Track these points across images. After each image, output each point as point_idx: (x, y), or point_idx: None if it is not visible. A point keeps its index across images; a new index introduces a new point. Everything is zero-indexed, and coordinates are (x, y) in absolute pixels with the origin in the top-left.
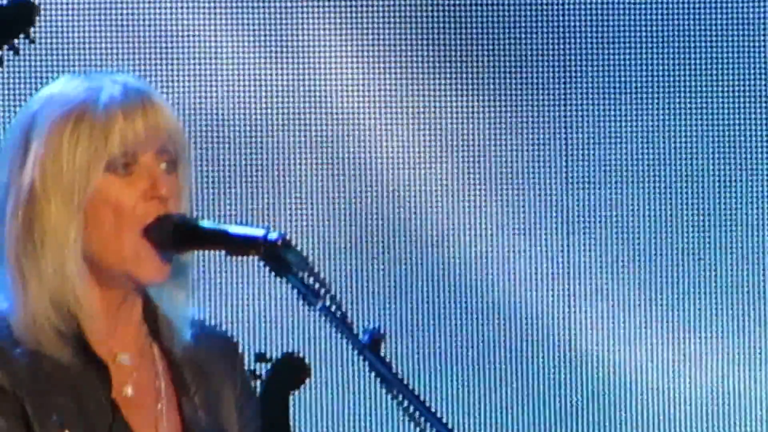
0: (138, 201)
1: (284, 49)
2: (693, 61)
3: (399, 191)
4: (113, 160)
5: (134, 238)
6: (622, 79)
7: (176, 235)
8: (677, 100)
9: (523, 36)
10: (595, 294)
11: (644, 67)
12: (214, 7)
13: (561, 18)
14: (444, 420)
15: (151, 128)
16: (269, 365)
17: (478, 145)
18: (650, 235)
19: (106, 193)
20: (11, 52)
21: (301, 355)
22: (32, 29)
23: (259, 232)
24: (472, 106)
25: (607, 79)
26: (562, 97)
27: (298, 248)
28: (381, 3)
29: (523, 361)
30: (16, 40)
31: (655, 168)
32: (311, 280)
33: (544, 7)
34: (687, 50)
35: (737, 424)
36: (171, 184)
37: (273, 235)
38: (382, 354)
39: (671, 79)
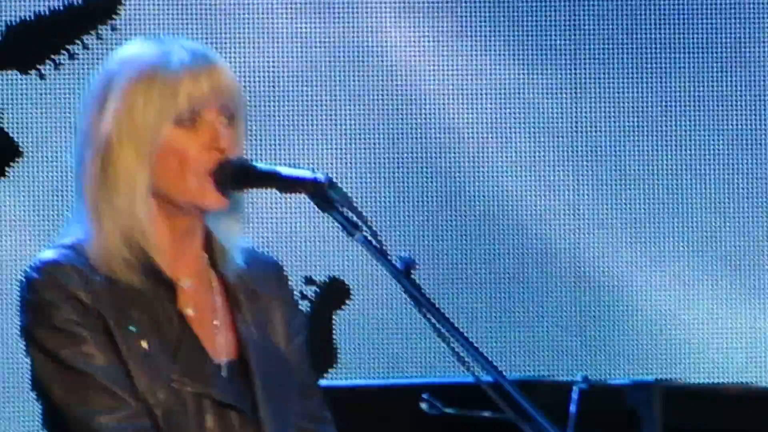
0: (201, 151)
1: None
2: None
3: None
4: (180, 115)
5: (198, 180)
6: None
7: (236, 176)
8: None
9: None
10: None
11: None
12: None
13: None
14: (467, 335)
15: (214, 88)
16: (316, 287)
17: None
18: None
19: (173, 144)
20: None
21: (342, 278)
22: (114, 20)
23: (307, 173)
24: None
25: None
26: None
27: (342, 188)
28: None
29: (540, 286)
30: (94, 33)
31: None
32: (352, 214)
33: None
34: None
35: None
36: (229, 137)
37: (320, 176)
38: (414, 278)
39: None
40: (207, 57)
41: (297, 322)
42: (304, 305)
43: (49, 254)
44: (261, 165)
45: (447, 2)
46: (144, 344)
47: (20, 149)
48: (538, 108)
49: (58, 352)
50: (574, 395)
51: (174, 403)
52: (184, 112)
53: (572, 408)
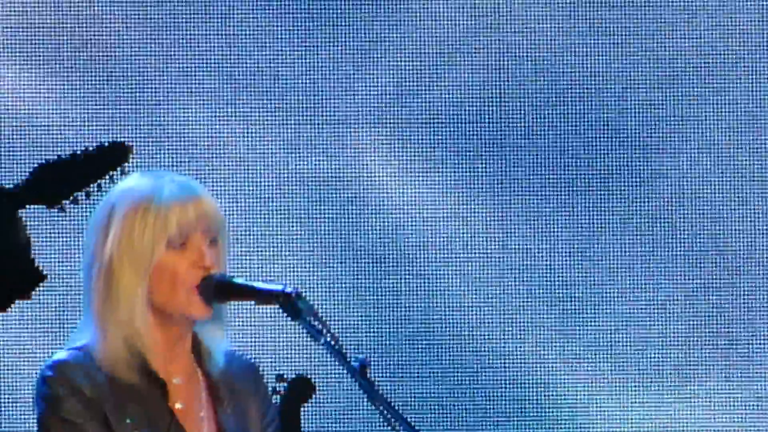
0: (189, 269)
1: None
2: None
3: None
4: (171, 239)
5: (186, 293)
6: None
7: (218, 290)
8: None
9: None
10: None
11: None
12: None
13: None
14: (414, 425)
15: (199, 215)
16: (286, 384)
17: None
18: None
19: (166, 263)
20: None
21: (309, 376)
22: (123, 166)
23: (278, 287)
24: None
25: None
26: None
27: (308, 299)
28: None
29: (472, 381)
30: (107, 177)
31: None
32: (317, 323)
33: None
34: None
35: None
36: (212, 256)
37: (289, 289)
38: (369, 376)
39: None
40: (193, 189)
41: (270, 413)
42: (275, 399)
43: (61, 355)
44: (239, 280)
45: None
46: None
47: (44, 274)
48: (478, 230)
49: None
50: None
51: None
52: (174, 236)
53: None
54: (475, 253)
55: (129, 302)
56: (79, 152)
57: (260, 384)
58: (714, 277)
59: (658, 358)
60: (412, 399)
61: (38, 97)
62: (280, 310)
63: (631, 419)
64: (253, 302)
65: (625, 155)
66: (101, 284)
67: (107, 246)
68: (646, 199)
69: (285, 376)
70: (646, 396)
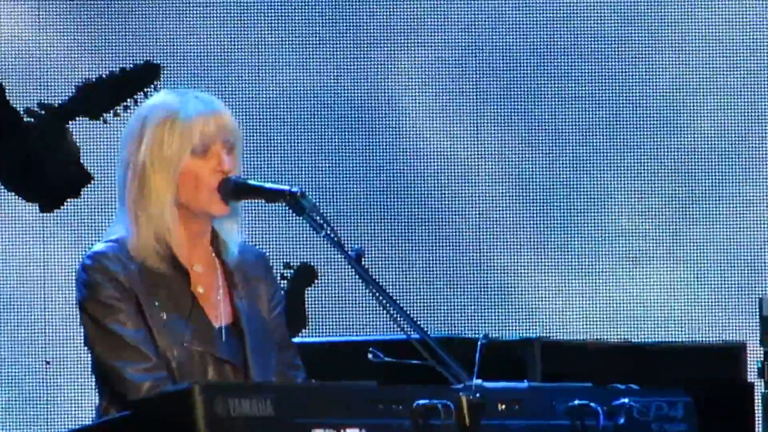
0: (210, 173)
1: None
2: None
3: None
4: (195, 147)
5: (208, 193)
6: None
7: (235, 190)
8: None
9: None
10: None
11: None
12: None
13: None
14: (405, 309)
15: (219, 128)
16: (292, 270)
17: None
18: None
19: (190, 168)
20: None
21: (312, 264)
22: (156, 83)
23: (285, 187)
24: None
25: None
26: None
27: (311, 198)
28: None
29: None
30: (142, 92)
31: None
32: (318, 218)
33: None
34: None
35: None
36: (230, 162)
37: (295, 189)
38: (363, 264)
39: None
40: (214, 104)
41: (277, 296)
42: (283, 284)
43: (99, 246)
44: (252, 181)
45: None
46: (164, 315)
47: (91, 175)
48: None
49: (101, 320)
50: (478, 348)
51: (185, 359)
52: (198, 145)
53: (476, 358)
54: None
55: (159, 201)
56: (117, 71)
57: (269, 272)
58: (664, 176)
59: (612, 245)
60: (405, 283)
61: (75, 24)
62: (287, 207)
63: (593, 299)
64: (263, 201)
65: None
66: (135, 185)
67: (140, 153)
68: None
69: (291, 264)
70: (603, 278)
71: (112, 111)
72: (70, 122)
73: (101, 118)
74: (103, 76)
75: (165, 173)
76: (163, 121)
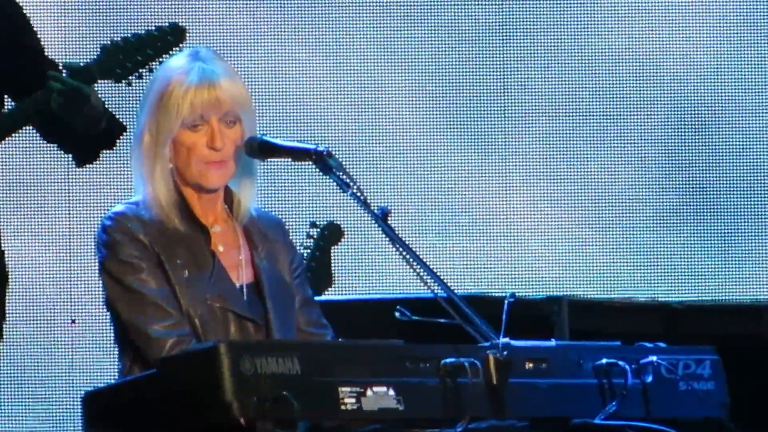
0: (201, 147)
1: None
2: None
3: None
4: (185, 120)
5: (200, 165)
6: None
7: (261, 148)
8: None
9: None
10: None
11: None
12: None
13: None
14: (432, 267)
15: (215, 100)
16: (318, 229)
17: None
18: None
19: (182, 140)
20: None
21: (338, 223)
22: (181, 46)
23: (312, 146)
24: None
25: None
26: None
27: (337, 156)
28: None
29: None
30: (166, 54)
31: None
32: (345, 177)
33: None
34: None
35: None
36: (229, 136)
37: (321, 148)
38: (389, 222)
39: None
40: (214, 76)
41: (296, 259)
42: (309, 243)
43: (119, 207)
44: (278, 140)
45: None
46: (186, 273)
47: (125, 125)
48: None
49: (123, 278)
50: (505, 307)
51: (208, 316)
52: (187, 118)
53: (504, 317)
54: None
55: (163, 166)
56: (141, 33)
57: (287, 236)
58: (691, 131)
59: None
60: (431, 242)
61: None
62: (314, 166)
63: (619, 256)
64: (290, 160)
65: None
66: (144, 147)
67: (145, 120)
68: None
69: (318, 223)
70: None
71: (136, 74)
72: (94, 84)
73: (126, 81)
74: (129, 37)
75: (162, 141)
76: (163, 89)
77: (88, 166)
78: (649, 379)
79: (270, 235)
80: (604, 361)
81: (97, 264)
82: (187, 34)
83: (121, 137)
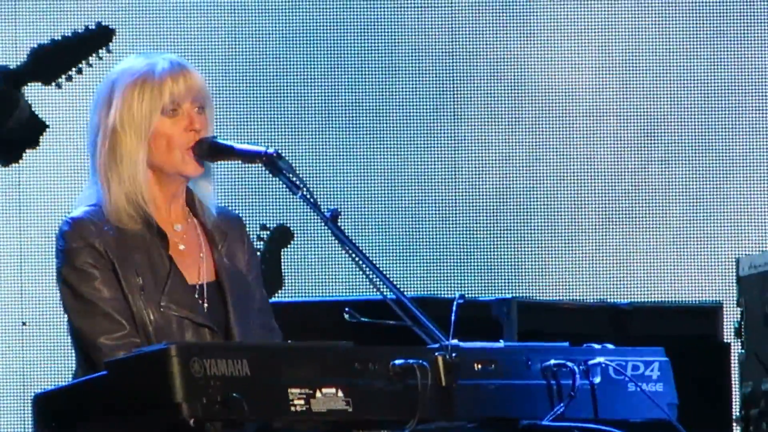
0: (181, 132)
1: None
2: None
3: None
4: (165, 107)
5: (180, 153)
6: None
7: (210, 150)
8: None
9: None
10: None
11: None
12: None
13: None
14: (381, 269)
15: (188, 87)
16: (268, 231)
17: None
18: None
19: (161, 129)
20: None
21: (288, 225)
22: (109, 45)
23: (261, 148)
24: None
25: None
26: None
27: (287, 158)
28: None
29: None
30: (95, 55)
31: None
32: (295, 178)
33: None
34: None
35: None
36: (201, 121)
37: (270, 150)
38: (339, 224)
39: None
40: (182, 65)
41: (254, 260)
42: (259, 245)
43: (77, 212)
44: (228, 142)
45: None
46: (140, 280)
47: (46, 123)
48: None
49: (77, 286)
50: (454, 308)
51: (163, 323)
52: (167, 105)
53: (452, 318)
54: None
55: (131, 162)
56: (70, 35)
57: (245, 234)
58: (638, 141)
59: (586, 209)
60: (379, 244)
61: None
62: (263, 168)
63: (568, 263)
64: (239, 161)
65: None
66: (106, 149)
67: (110, 116)
68: None
69: (267, 225)
70: (577, 242)
71: (65, 75)
72: (23, 87)
73: (55, 83)
74: (56, 39)
75: (136, 135)
76: (132, 84)
77: (26, 164)
78: (598, 380)
79: (229, 232)
80: (552, 362)
81: (54, 269)
82: (114, 36)
83: (43, 135)
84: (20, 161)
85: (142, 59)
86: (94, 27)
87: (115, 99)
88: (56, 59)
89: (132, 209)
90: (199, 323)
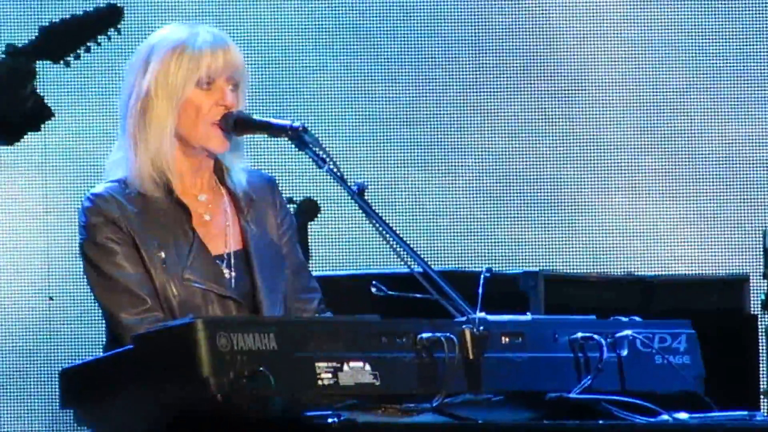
0: (212, 106)
1: None
2: None
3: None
4: (200, 79)
5: (207, 127)
6: None
7: (236, 124)
8: None
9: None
10: None
11: None
12: None
13: None
14: (408, 242)
15: (226, 63)
16: (295, 205)
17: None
18: None
19: (193, 100)
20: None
21: (314, 198)
22: (119, 25)
23: (287, 122)
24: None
25: None
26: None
27: (313, 132)
28: None
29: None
30: (104, 34)
31: None
32: (321, 152)
33: None
34: None
35: None
36: (233, 98)
37: (297, 124)
38: (366, 197)
39: None
40: (223, 40)
41: (287, 220)
42: None
43: (98, 188)
44: (254, 116)
45: None
46: (162, 254)
47: (52, 111)
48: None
49: (98, 262)
50: (481, 281)
51: (187, 296)
52: (203, 77)
53: (480, 291)
54: None
55: (159, 128)
56: (79, 13)
57: (276, 195)
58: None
59: (614, 180)
60: (406, 217)
61: None
62: (289, 142)
63: (596, 234)
64: (266, 135)
65: None
66: (137, 112)
67: (146, 80)
68: None
69: (294, 199)
70: (605, 213)
71: (73, 54)
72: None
73: (63, 61)
74: (66, 18)
75: (167, 101)
76: (171, 51)
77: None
78: (625, 353)
79: (257, 197)
80: (579, 335)
81: (77, 244)
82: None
83: (47, 121)
84: (19, 141)
85: (185, 27)
86: (103, 6)
87: (152, 63)
88: (66, 37)
89: (156, 175)
90: (223, 295)
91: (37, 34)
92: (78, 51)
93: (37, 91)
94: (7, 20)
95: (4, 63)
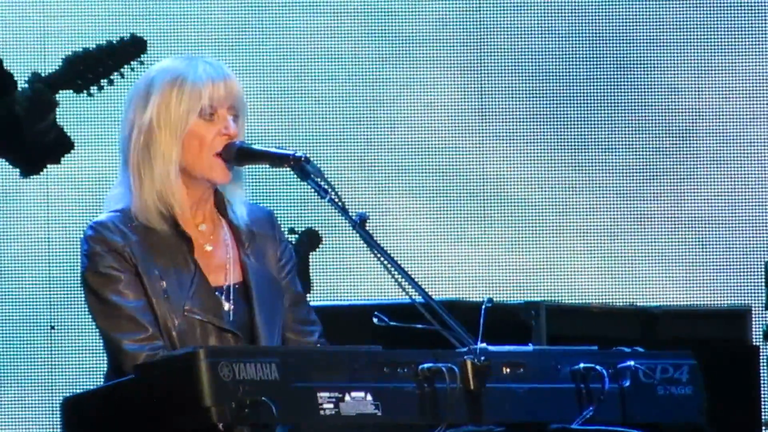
0: (215, 136)
1: None
2: None
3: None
4: (203, 109)
5: (210, 158)
6: None
7: (238, 154)
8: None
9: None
10: None
11: None
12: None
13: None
14: (410, 273)
15: (227, 93)
16: (297, 235)
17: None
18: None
19: (196, 130)
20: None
21: (316, 229)
22: (141, 57)
23: (290, 152)
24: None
25: None
26: None
27: (315, 162)
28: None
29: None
30: (127, 66)
31: None
32: (323, 183)
33: None
34: None
35: None
36: (235, 128)
37: (299, 153)
38: (368, 228)
39: None
40: (223, 70)
41: (286, 253)
42: None
43: (101, 217)
44: (256, 146)
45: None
46: (164, 284)
47: (73, 143)
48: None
49: (100, 290)
50: (482, 312)
51: (186, 328)
52: (206, 107)
53: (481, 322)
54: None
55: (165, 160)
56: (103, 44)
57: (276, 229)
58: (678, 142)
59: (620, 211)
60: (407, 247)
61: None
62: (291, 172)
63: (601, 264)
64: (268, 165)
65: None
66: (140, 145)
67: (147, 113)
68: None
69: (296, 229)
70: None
71: (96, 85)
72: (55, 94)
73: (86, 91)
74: (90, 48)
75: (171, 134)
76: (171, 83)
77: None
78: (627, 383)
79: (257, 230)
80: (581, 365)
81: (79, 273)
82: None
83: (67, 154)
84: (40, 173)
85: (183, 60)
86: (127, 38)
87: (153, 96)
88: (89, 67)
89: (163, 207)
90: (222, 328)
91: (61, 63)
92: (102, 81)
93: (58, 122)
94: (32, 49)
95: (25, 94)
